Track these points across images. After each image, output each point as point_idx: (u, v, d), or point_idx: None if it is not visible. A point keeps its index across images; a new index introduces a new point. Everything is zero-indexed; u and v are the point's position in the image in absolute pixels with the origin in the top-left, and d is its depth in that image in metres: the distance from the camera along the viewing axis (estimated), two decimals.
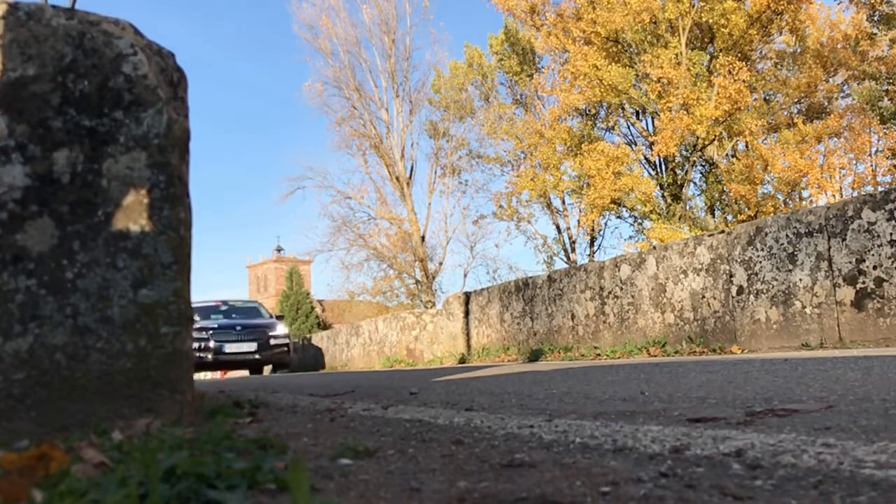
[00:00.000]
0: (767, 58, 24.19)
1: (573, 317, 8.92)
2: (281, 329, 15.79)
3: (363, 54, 30.70)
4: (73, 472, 1.17)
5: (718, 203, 24.44)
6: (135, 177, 2.00)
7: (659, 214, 23.23)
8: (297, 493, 0.78)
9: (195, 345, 11.03)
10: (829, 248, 5.81)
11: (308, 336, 21.04)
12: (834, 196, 20.42)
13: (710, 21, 21.77)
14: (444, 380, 5.10)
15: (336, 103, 30.86)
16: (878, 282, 5.41)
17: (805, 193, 21.87)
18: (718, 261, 6.91)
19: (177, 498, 0.99)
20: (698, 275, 7.14)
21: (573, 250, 28.62)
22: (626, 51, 23.04)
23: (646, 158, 24.65)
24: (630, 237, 27.34)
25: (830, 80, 23.52)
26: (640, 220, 25.54)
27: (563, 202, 28.24)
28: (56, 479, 1.07)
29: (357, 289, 32.09)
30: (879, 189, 9.10)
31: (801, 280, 6.04)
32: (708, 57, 23.09)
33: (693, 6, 21.49)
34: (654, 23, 21.92)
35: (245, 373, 16.85)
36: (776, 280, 6.27)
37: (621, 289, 8.16)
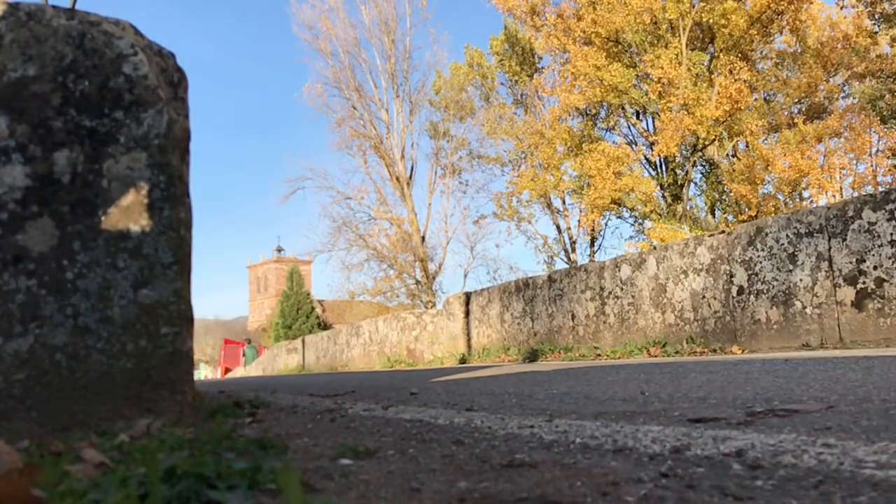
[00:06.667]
0: (768, 58, 24.19)
1: (573, 317, 8.92)
2: None
3: (363, 55, 30.72)
4: (73, 472, 1.17)
5: (719, 203, 24.44)
6: (135, 177, 2.00)
7: (659, 214, 23.23)
8: (289, 493, 0.78)
9: None
10: (830, 248, 5.81)
11: None
12: (834, 196, 20.41)
13: (711, 21, 21.77)
14: (444, 380, 5.10)
15: (336, 104, 30.88)
16: (879, 282, 5.41)
17: (805, 193, 21.87)
18: (719, 261, 6.91)
19: (177, 498, 0.99)
20: (699, 275, 7.14)
21: (573, 250, 28.64)
22: (627, 51, 23.04)
23: (646, 158, 24.65)
24: (630, 237, 27.38)
25: (831, 80, 23.52)
26: (640, 221, 25.56)
27: (564, 202, 28.27)
28: (56, 479, 1.07)
29: (357, 289, 32.11)
30: (880, 189, 9.09)
31: (801, 280, 6.04)
32: (708, 57, 23.09)
33: (693, 6, 21.49)
34: (655, 23, 21.91)
35: (245, 371, 16.74)
36: (776, 280, 6.27)
37: (622, 289, 8.15)
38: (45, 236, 1.89)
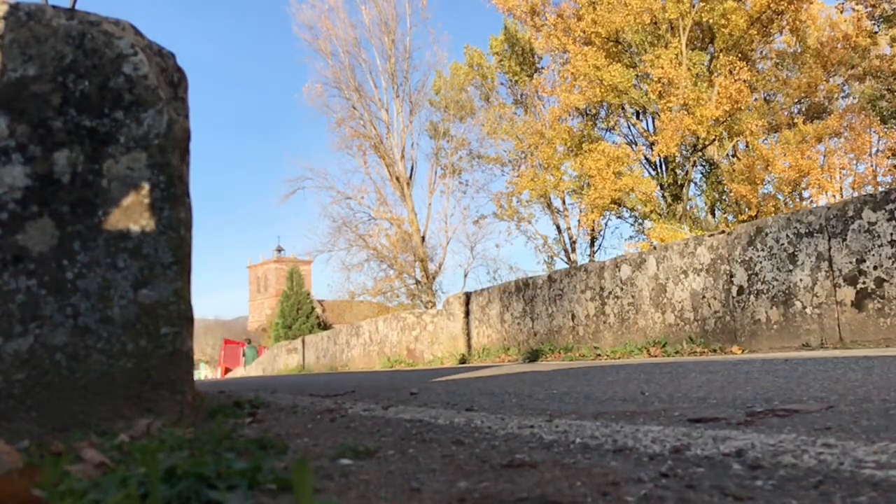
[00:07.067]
0: (768, 58, 24.19)
1: (573, 317, 8.92)
2: None
3: (363, 55, 30.72)
4: (73, 472, 1.17)
5: (719, 203, 24.44)
6: (135, 177, 2.00)
7: (659, 214, 23.23)
8: (301, 493, 0.78)
9: None
10: (830, 248, 5.81)
11: None
12: (834, 196, 20.41)
13: (711, 21, 21.76)
14: (444, 380, 5.10)
15: (336, 104, 30.88)
16: (879, 282, 5.41)
17: (805, 193, 21.87)
18: (719, 261, 6.91)
19: (177, 498, 0.99)
20: (699, 275, 7.14)
21: (573, 250, 28.64)
22: (627, 51, 23.04)
23: (646, 158, 24.65)
24: (630, 237, 27.38)
25: (830, 80, 23.52)
26: (640, 221, 25.56)
27: (564, 202, 28.28)
28: (56, 479, 1.07)
29: (357, 289, 32.12)
30: (880, 189, 9.09)
31: (801, 280, 6.04)
32: (708, 57, 23.09)
33: (693, 6, 21.48)
34: (655, 23, 21.91)
35: (245, 371, 16.71)
36: (776, 280, 6.27)
37: (622, 289, 8.15)
38: (45, 236, 1.89)
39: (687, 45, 21.83)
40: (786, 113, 23.55)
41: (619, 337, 8.14)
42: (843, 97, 24.22)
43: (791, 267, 6.14)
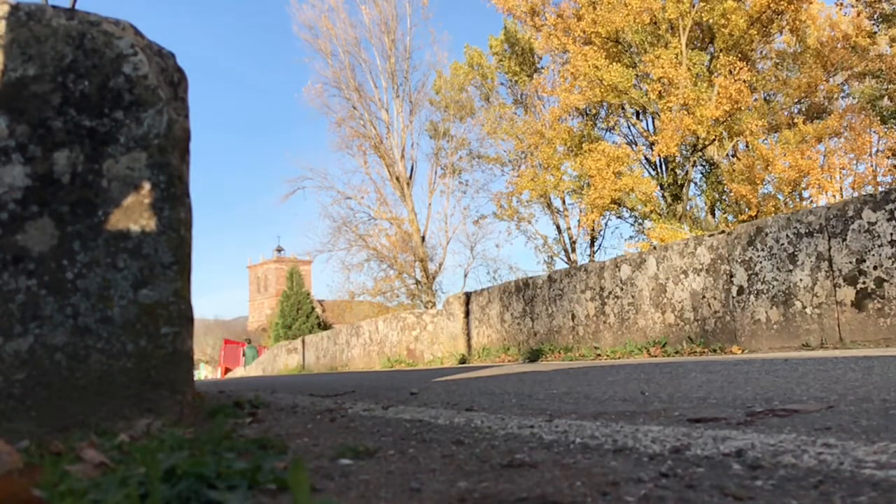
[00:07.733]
0: (768, 58, 24.19)
1: (573, 317, 8.92)
2: None
3: (363, 55, 30.73)
4: (73, 472, 1.17)
5: (719, 203, 24.44)
6: (135, 177, 2.00)
7: (659, 214, 23.22)
8: (298, 493, 0.78)
9: None
10: (830, 248, 5.81)
11: None
12: (834, 196, 20.40)
13: (711, 21, 21.77)
14: (444, 380, 5.10)
15: (336, 104, 30.91)
16: (879, 282, 5.41)
17: (805, 193, 21.86)
18: (719, 261, 6.91)
19: (177, 498, 0.99)
20: (699, 275, 7.14)
21: (573, 250, 28.64)
22: (627, 51, 23.04)
23: (646, 158, 24.64)
24: (630, 237, 27.39)
25: (830, 79, 23.52)
26: (640, 221, 25.56)
27: (564, 202, 28.29)
28: (56, 479, 1.07)
29: (357, 289, 32.13)
30: (880, 189, 9.09)
31: (801, 280, 6.04)
32: (708, 57, 23.09)
33: (693, 6, 21.48)
34: (655, 23, 21.91)
35: (245, 371, 16.70)
36: (776, 280, 6.27)
37: (621, 289, 8.15)
38: (45, 236, 1.89)
39: (687, 45, 21.83)
40: (786, 113, 23.55)
41: (619, 337, 8.14)
42: (843, 97, 24.22)
43: (791, 267, 6.14)
